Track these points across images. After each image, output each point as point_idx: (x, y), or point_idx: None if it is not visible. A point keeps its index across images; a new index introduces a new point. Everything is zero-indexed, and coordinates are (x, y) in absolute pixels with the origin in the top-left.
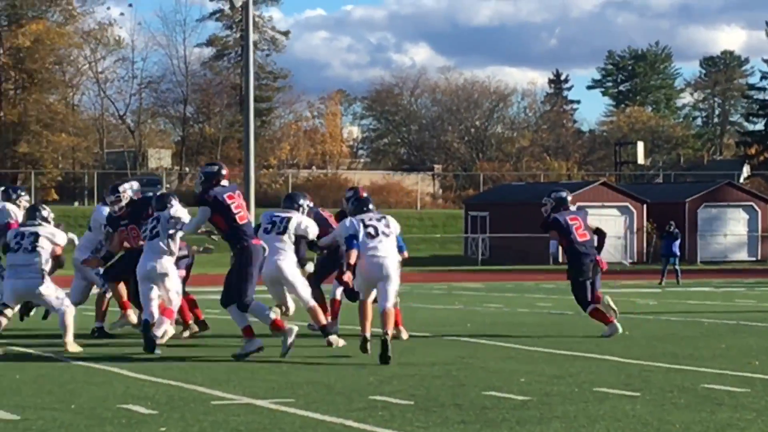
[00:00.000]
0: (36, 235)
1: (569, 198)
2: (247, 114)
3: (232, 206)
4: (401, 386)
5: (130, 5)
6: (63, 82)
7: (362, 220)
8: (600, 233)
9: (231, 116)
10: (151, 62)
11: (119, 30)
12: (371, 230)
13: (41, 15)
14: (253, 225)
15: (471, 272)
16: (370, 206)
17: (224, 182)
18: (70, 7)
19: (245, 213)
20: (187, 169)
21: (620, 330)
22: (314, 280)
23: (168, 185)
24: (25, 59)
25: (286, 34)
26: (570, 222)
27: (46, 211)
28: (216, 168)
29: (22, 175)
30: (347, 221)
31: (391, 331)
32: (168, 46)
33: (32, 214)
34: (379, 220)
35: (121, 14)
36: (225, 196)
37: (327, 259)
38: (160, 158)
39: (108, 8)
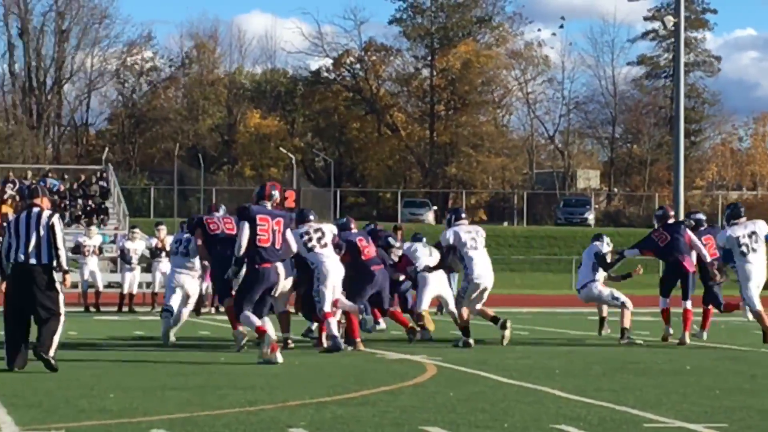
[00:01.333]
0: None
1: None
2: (677, 136)
3: (258, 228)
4: None
5: (561, 26)
6: (492, 102)
7: None
8: None
9: (659, 137)
10: (579, 83)
11: (548, 50)
12: None
13: (473, 37)
14: (291, 251)
15: None
16: None
17: (267, 204)
18: (501, 29)
19: (270, 237)
20: (615, 189)
21: None
22: None
23: (596, 206)
24: (455, 81)
25: (718, 59)
26: None
27: None
28: (260, 188)
29: (453, 195)
30: None
31: None
32: (596, 67)
33: None
34: None
35: (553, 34)
36: (258, 216)
37: None
38: (588, 179)
39: (539, 30)
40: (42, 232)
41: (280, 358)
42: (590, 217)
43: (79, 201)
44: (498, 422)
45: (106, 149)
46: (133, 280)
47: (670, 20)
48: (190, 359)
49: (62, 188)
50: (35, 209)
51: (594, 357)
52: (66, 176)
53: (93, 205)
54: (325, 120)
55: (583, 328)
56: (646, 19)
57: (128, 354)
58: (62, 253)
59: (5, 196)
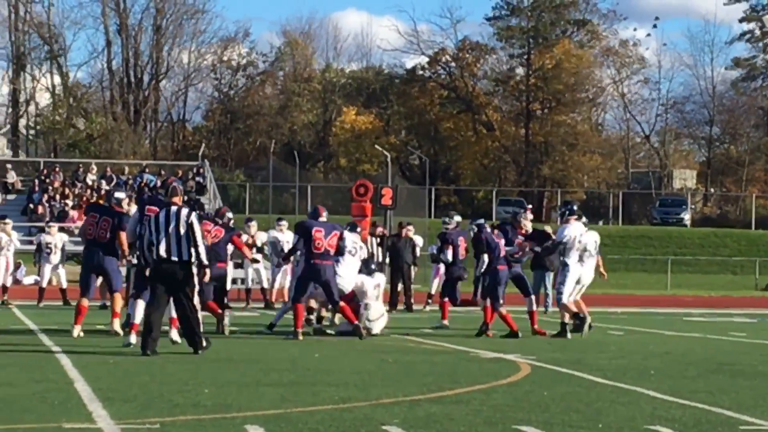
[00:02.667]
0: None
1: None
2: None
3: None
4: None
5: (655, 26)
6: (587, 101)
7: None
8: None
9: (757, 138)
10: (677, 83)
11: (644, 50)
12: None
13: (567, 35)
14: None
15: None
16: None
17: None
18: (593, 28)
19: (323, 243)
20: (712, 190)
21: None
22: None
23: (693, 206)
24: (549, 80)
25: None
26: None
27: None
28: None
29: (548, 194)
30: None
31: None
32: (694, 67)
33: None
34: None
35: (648, 35)
36: (313, 229)
37: None
38: (684, 179)
39: (635, 29)
40: (182, 230)
41: None
42: (686, 217)
43: None
44: (592, 422)
45: (203, 145)
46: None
47: None
48: (284, 355)
49: (159, 183)
50: (174, 207)
51: (689, 358)
52: (163, 172)
53: (189, 201)
54: (420, 118)
55: (679, 329)
56: (741, 21)
57: (223, 349)
58: (201, 249)
59: (102, 192)
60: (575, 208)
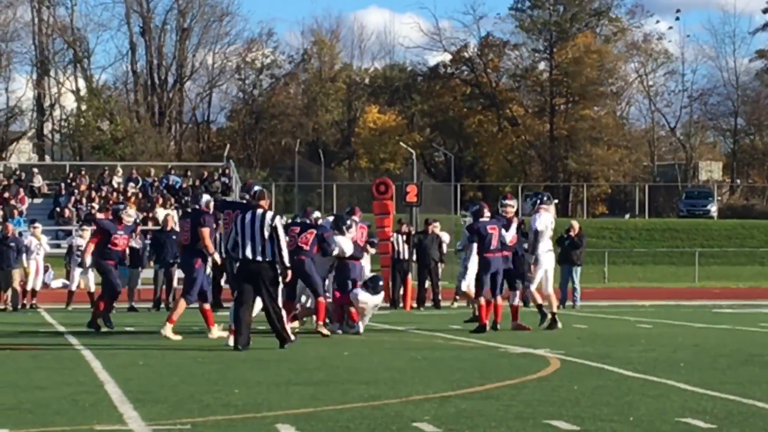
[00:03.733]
0: None
1: None
2: None
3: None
4: None
5: (677, 18)
6: (611, 95)
7: None
8: None
9: None
10: (701, 75)
11: (668, 43)
12: None
13: (591, 28)
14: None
15: None
16: None
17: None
18: (618, 23)
19: (295, 240)
20: (738, 181)
21: None
22: None
23: (719, 198)
24: (572, 73)
25: None
26: None
27: None
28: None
29: (574, 188)
30: None
31: None
32: (717, 58)
33: None
34: None
35: (670, 28)
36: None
37: None
38: (710, 171)
39: (657, 21)
40: (266, 233)
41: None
42: (713, 209)
43: None
44: (623, 416)
45: (227, 146)
46: None
47: None
48: (313, 354)
49: (185, 185)
50: (259, 210)
51: (719, 350)
52: (189, 173)
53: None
54: (444, 114)
55: (708, 321)
56: (765, 11)
57: (252, 349)
58: (285, 251)
59: (128, 194)
60: (545, 197)
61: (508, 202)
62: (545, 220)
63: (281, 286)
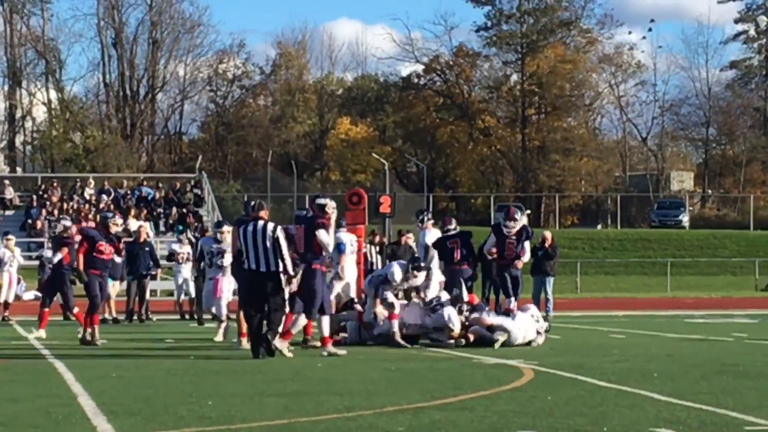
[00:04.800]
0: None
1: None
2: None
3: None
4: None
5: (650, 29)
6: (583, 106)
7: None
8: None
9: (754, 138)
10: (672, 85)
11: (640, 54)
12: None
13: (561, 40)
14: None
15: None
16: None
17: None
18: (589, 34)
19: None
20: (709, 191)
21: None
22: None
23: (691, 208)
24: (544, 85)
25: None
26: None
27: None
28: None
29: (545, 198)
30: None
31: None
32: (689, 69)
33: None
34: None
35: (643, 38)
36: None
37: None
38: (682, 181)
39: (629, 32)
40: (268, 244)
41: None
42: (685, 219)
43: (174, 209)
44: (597, 426)
45: (200, 157)
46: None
47: (763, 20)
48: (287, 365)
49: (157, 197)
50: (260, 222)
51: (692, 360)
52: (160, 185)
53: (187, 213)
54: (416, 125)
55: (681, 331)
56: (737, 21)
57: (225, 361)
58: (288, 261)
59: (101, 206)
60: (429, 215)
61: (509, 223)
62: (433, 235)
63: (287, 295)
